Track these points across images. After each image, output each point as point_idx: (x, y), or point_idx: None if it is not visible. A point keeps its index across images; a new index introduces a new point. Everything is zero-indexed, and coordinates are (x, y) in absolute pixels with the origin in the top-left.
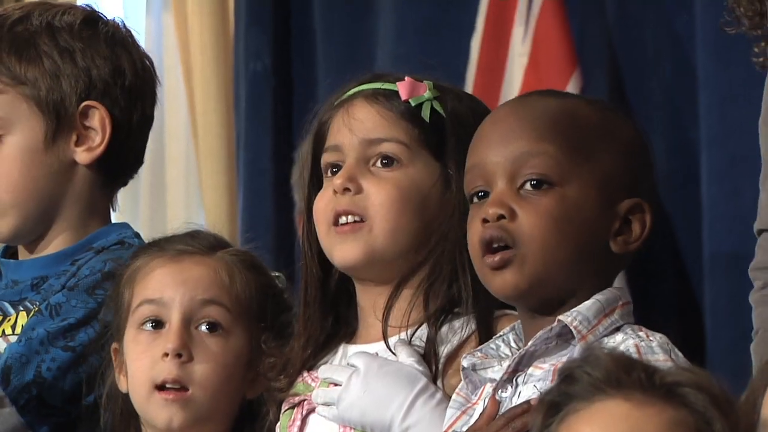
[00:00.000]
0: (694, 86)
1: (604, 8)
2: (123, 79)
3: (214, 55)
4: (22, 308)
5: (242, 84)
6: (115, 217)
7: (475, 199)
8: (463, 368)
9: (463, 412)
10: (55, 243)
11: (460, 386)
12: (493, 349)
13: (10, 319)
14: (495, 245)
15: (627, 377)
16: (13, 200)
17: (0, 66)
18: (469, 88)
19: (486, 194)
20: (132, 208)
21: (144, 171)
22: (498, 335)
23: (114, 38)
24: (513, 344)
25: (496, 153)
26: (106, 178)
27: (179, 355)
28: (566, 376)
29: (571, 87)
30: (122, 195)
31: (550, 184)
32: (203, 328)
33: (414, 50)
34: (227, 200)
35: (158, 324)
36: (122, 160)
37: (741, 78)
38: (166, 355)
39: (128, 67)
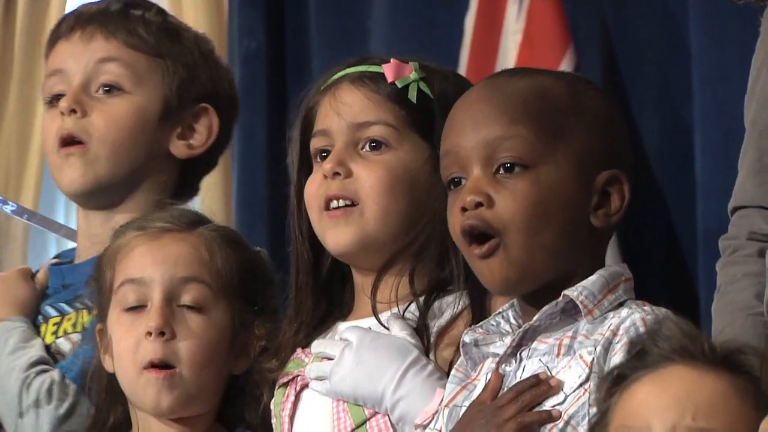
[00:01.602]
0: (687, 64)
1: None
2: (233, 91)
3: (209, 33)
4: (81, 306)
5: (236, 62)
6: None
7: (452, 186)
8: (464, 344)
9: (464, 387)
10: (117, 219)
11: (459, 362)
12: (493, 325)
13: (70, 318)
14: (478, 234)
15: (692, 346)
16: (109, 154)
17: (150, 35)
18: (463, 65)
19: (461, 181)
20: None
21: None
22: (497, 312)
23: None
24: (513, 321)
25: (469, 139)
26: (185, 177)
27: (162, 334)
28: (639, 351)
29: (565, 64)
30: None
31: (525, 167)
32: (185, 305)
33: (408, 27)
34: (222, 180)
35: (140, 304)
36: (204, 163)
37: (734, 56)
38: (150, 334)
39: (233, 82)
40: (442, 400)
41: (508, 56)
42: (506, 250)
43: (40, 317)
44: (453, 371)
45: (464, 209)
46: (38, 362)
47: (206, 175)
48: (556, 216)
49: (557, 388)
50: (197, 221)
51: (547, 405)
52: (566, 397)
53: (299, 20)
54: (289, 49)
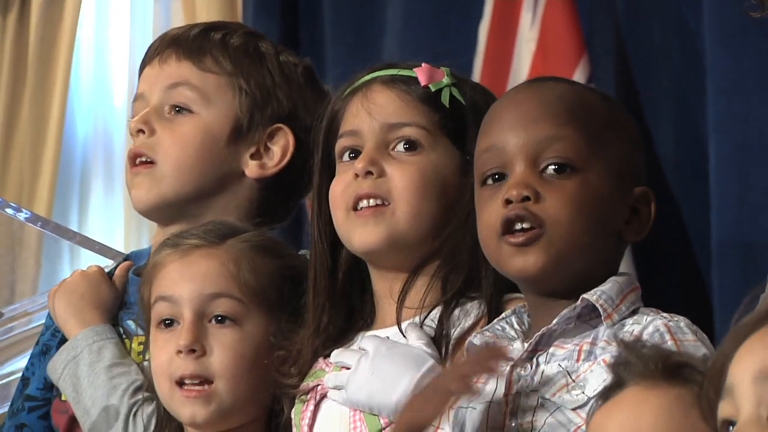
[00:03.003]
0: (701, 75)
1: None
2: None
3: None
4: None
5: None
6: None
7: (489, 181)
8: (471, 344)
9: None
10: None
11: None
12: (499, 330)
13: None
14: (518, 226)
15: (642, 365)
16: (174, 172)
17: (225, 57)
18: (477, 74)
19: (501, 177)
20: None
21: None
22: (500, 317)
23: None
24: (516, 326)
25: (517, 135)
26: (278, 195)
27: (193, 351)
28: (612, 375)
29: (579, 74)
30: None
31: (573, 169)
32: (215, 321)
33: (422, 37)
34: None
35: (172, 321)
36: (290, 183)
37: (749, 67)
38: (180, 352)
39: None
40: None
41: (522, 64)
42: (548, 243)
43: (121, 329)
44: None
45: (509, 201)
46: (141, 387)
47: (300, 197)
48: (597, 221)
49: (507, 353)
50: (229, 234)
51: (569, 407)
52: (589, 399)
53: (314, 28)
54: (304, 57)
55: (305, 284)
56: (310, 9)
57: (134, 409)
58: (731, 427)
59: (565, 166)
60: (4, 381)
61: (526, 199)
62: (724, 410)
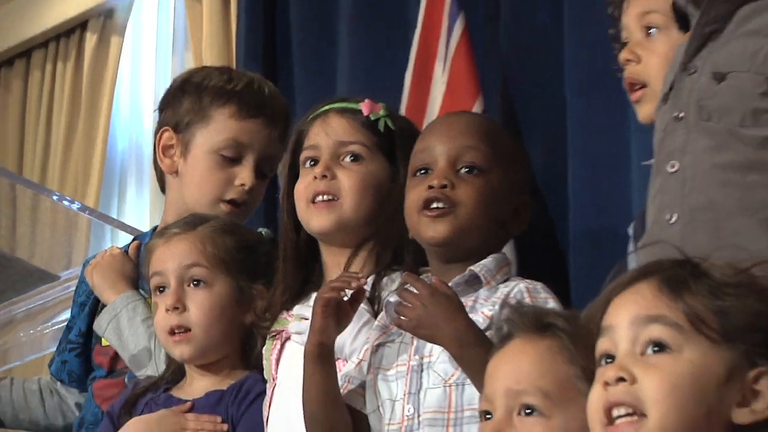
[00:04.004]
0: (563, 109)
1: (499, 49)
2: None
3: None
4: None
5: None
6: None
7: (419, 174)
8: (388, 302)
9: (383, 333)
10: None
11: (381, 315)
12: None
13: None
14: (434, 205)
15: (521, 322)
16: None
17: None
18: (403, 108)
19: (427, 171)
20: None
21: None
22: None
23: None
24: None
25: (442, 143)
26: None
27: (176, 308)
28: (497, 328)
29: (477, 107)
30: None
31: (480, 171)
32: (192, 285)
33: (365, 80)
34: None
35: (164, 288)
36: None
37: (599, 106)
38: (168, 310)
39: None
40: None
41: (435, 102)
42: (455, 218)
43: (141, 291)
44: (376, 321)
45: (431, 186)
46: None
47: None
48: (491, 210)
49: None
50: (199, 223)
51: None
52: None
53: (288, 76)
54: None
55: (259, 250)
56: (285, 61)
57: (160, 351)
58: (607, 359)
59: (474, 168)
60: (60, 326)
61: (444, 186)
62: (602, 346)
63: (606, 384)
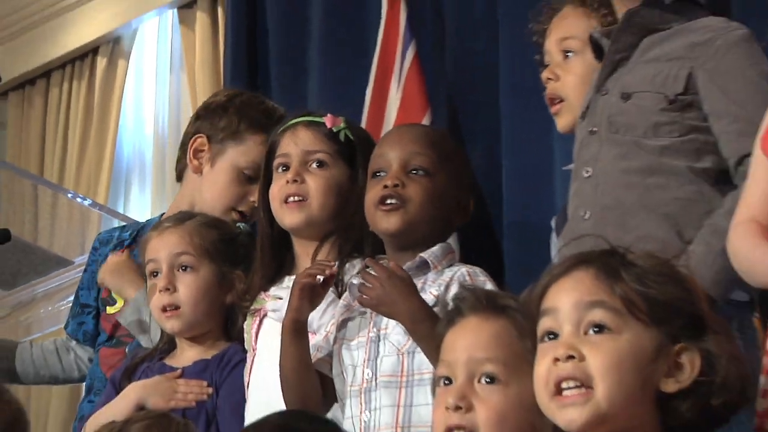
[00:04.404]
0: (498, 120)
1: (444, 71)
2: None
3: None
4: None
5: None
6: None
7: (375, 176)
8: (351, 284)
9: (347, 309)
10: None
11: (344, 295)
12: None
13: None
14: (388, 201)
15: (476, 301)
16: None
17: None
18: (363, 121)
19: (382, 174)
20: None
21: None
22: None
23: None
24: None
25: (395, 150)
26: None
27: (168, 290)
28: (454, 306)
29: (426, 120)
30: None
31: (428, 173)
32: (181, 270)
33: (332, 97)
34: None
35: (157, 273)
36: None
37: (533, 116)
38: (160, 291)
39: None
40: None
41: (391, 116)
42: (406, 212)
43: None
44: (341, 301)
45: (385, 186)
46: None
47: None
48: (438, 205)
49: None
50: (187, 217)
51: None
52: None
53: (267, 89)
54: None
55: (239, 242)
56: (265, 81)
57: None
58: (550, 336)
59: (422, 170)
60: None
61: (396, 186)
62: (545, 324)
63: (556, 360)
